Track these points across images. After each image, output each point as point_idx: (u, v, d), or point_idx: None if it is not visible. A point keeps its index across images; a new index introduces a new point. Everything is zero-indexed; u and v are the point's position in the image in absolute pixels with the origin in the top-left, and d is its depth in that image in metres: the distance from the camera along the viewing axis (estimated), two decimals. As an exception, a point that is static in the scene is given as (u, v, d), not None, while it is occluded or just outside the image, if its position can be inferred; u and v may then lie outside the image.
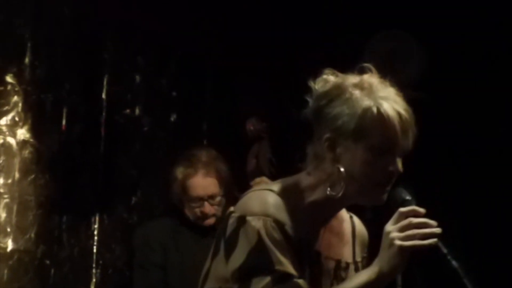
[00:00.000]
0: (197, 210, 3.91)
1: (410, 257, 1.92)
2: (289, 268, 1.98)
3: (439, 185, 4.67)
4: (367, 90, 2.05)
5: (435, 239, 1.91)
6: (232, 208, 2.09)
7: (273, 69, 4.59)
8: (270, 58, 4.58)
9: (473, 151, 4.81)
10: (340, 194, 2.04)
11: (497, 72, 4.67)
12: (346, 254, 2.20)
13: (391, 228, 1.95)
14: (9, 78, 3.89)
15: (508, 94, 4.66)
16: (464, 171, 4.82)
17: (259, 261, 1.97)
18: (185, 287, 3.86)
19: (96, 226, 4.24)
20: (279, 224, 2.00)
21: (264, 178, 3.80)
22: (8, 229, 3.82)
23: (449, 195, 4.68)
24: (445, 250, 1.90)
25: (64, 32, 4.16)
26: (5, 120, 3.86)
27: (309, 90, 2.11)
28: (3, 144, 3.85)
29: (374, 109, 2.01)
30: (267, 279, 1.94)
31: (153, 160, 4.54)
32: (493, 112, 4.73)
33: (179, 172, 3.92)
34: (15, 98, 3.91)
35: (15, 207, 3.86)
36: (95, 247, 4.23)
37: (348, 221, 2.26)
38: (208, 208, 3.89)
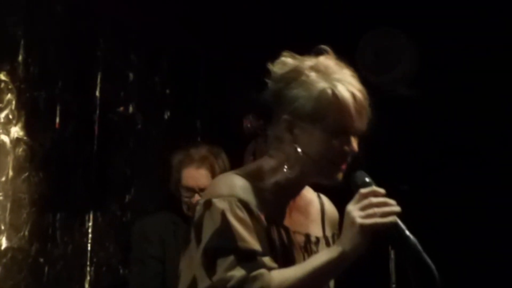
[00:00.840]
0: (187, 201, 3.92)
1: (371, 236, 1.95)
2: (253, 245, 1.99)
3: (434, 182, 4.68)
4: (323, 72, 2.11)
5: (394, 217, 1.94)
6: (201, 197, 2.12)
7: (267, 66, 4.59)
8: (264, 55, 4.58)
9: (465, 148, 4.83)
10: (295, 174, 2.10)
11: (491, 69, 4.68)
12: (315, 229, 2.23)
13: (351, 207, 1.98)
14: (2, 76, 3.88)
15: (502, 91, 4.67)
16: (456, 166, 4.83)
17: (222, 240, 1.99)
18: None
19: (90, 224, 4.24)
20: (243, 203, 2.04)
21: None
22: (2, 227, 3.81)
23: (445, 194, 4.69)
24: (403, 227, 1.95)
25: (57, 29, 4.15)
26: (-1, 118, 3.86)
27: (268, 72, 2.19)
28: (-4, 142, 3.85)
29: (329, 91, 2.07)
30: (231, 258, 1.96)
31: (147, 158, 4.54)
32: (487, 108, 4.74)
33: (175, 159, 3.96)
34: (9, 96, 3.90)
35: (8, 205, 3.85)
36: (89, 245, 4.22)
37: (316, 201, 2.30)
38: (196, 200, 3.89)
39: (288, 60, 2.17)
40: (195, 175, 3.92)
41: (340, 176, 2.11)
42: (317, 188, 2.29)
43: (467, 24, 4.67)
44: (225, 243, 1.98)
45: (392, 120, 4.21)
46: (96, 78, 4.34)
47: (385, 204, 1.96)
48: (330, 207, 2.33)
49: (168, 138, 4.63)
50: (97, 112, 4.32)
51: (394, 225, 1.94)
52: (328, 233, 2.26)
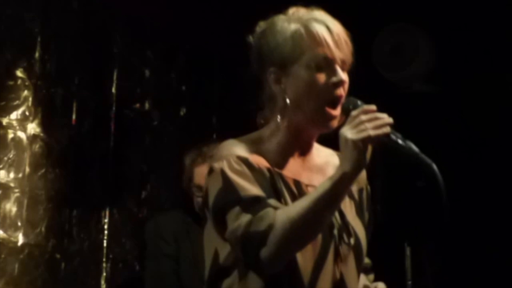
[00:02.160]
0: (199, 200, 3.92)
1: (366, 150, 1.92)
2: (256, 192, 1.96)
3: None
4: (294, 17, 2.11)
5: (387, 128, 1.91)
6: None
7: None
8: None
9: (483, 144, 4.81)
10: (289, 126, 2.06)
11: (505, 65, 4.66)
12: None
13: (343, 129, 1.94)
14: (19, 73, 3.89)
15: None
16: (473, 162, 4.82)
17: (226, 196, 1.97)
18: (197, 279, 3.88)
19: (106, 220, 4.25)
20: (241, 158, 2.02)
21: None
22: (19, 223, 3.82)
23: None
24: (398, 135, 1.93)
25: (74, 26, 4.16)
26: (16, 114, 3.87)
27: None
28: (13, 139, 3.86)
29: (302, 29, 2.06)
30: (236, 209, 1.93)
31: (163, 154, 4.54)
32: (502, 104, 4.72)
33: (188, 158, 3.95)
34: (25, 92, 3.91)
35: (25, 201, 3.86)
36: (105, 241, 4.23)
37: (333, 160, 2.20)
38: None
39: (261, 24, 2.18)
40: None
41: (334, 123, 2.06)
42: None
43: (484, 19, 4.64)
44: (228, 198, 1.96)
45: (408, 117, 4.20)
46: (113, 75, 4.35)
47: (376, 119, 1.92)
48: None
49: (184, 134, 4.64)
50: (113, 108, 4.33)
51: (388, 135, 1.92)
52: (353, 188, 2.17)
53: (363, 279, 2.26)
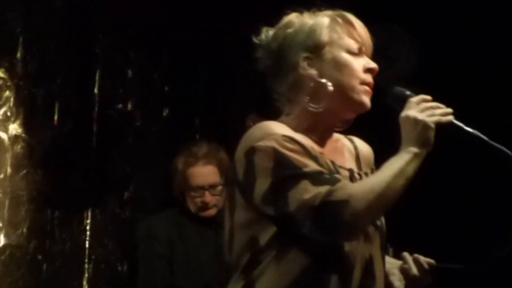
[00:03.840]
0: (198, 200, 3.91)
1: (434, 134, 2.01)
2: (317, 166, 1.98)
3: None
4: (312, 14, 2.17)
5: (451, 116, 2.04)
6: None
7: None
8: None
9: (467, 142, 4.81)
10: (325, 107, 2.08)
11: (492, 66, 4.66)
12: (354, 168, 2.19)
13: (409, 112, 2.02)
14: (0, 73, 3.87)
15: (504, 88, 4.65)
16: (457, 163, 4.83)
17: (286, 173, 1.95)
18: (191, 279, 3.88)
19: (88, 221, 4.23)
20: (288, 137, 2.02)
21: None
22: (0, 224, 3.80)
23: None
24: (461, 124, 2.05)
25: (56, 26, 4.14)
26: (-3, 114, 3.85)
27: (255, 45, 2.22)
28: (-5, 139, 3.84)
29: (337, 18, 2.14)
30: (304, 182, 1.93)
31: (146, 155, 4.53)
32: (489, 104, 4.72)
33: (180, 162, 3.94)
34: (7, 93, 3.89)
35: (7, 202, 3.84)
36: (87, 242, 4.22)
37: (348, 144, 2.26)
38: (209, 197, 3.90)
39: (270, 28, 2.21)
40: (203, 173, 3.91)
41: (369, 101, 2.13)
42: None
43: (469, 19, 4.65)
44: (289, 174, 1.95)
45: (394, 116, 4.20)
46: (95, 75, 4.33)
47: (438, 107, 2.04)
48: (364, 147, 2.29)
49: (167, 135, 4.63)
50: (96, 109, 4.32)
51: (452, 123, 2.04)
52: (367, 170, 2.21)
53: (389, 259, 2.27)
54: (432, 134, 2.00)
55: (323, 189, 1.92)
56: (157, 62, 4.68)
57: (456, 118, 2.09)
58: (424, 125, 1.99)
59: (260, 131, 2.04)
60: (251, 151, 2.00)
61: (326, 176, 1.97)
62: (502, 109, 4.56)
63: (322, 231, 1.93)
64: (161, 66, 4.69)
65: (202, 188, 3.89)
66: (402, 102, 2.07)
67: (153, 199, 4.48)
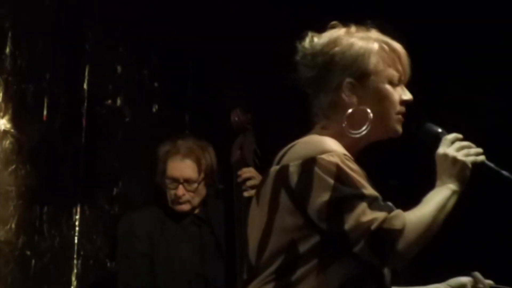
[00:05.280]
0: (172, 192, 3.91)
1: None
2: (375, 192, 2.05)
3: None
4: (361, 34, 2.21)
5: (483, 156, 2.17)
6: (276, 166, 2.11)
7: (256, 59, 4.58)
8: (253, 49, 4.57)
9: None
10: (364, 134, 2.16)
11: (483, 67, 4.67)
12: None
13: (447, 150, 2.15)
14: (-11, 69, 3.87)
15: (496, 89, 4.65)
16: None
17: (347, 191, 2.01)
18: (172, 276, 3.88)
19: (77, 217, 4.23)
20: (348, 156, 2.08)
21: (252, 169, 3.82)
22: (-11, 220, 3.81)
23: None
24: (492, 164, 2.19)
25: (45, 22, 4.13)
26: (-14, 110, 3.85)
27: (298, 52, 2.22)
28: (-17, 135, 3.84)
29: (385, 45, 2.19)
30: (363, 204, 1.99)
31: (135, 151, 4.53)
32: (476, 106, 4.73)
33: (162, 150, 3.95)
34: (-4, 88, 3.89)
35: (-5, 198, 3.85)
36: (76, 238, 4.22)
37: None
38: (181, 191, 3.88)
39: (316, 36, 2.23)
40: (180, 166, 3.91)
41: (401, 129, 2.22)
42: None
43: (456, 20, 4.66)
44: (350, 193, 2.01)
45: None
46: (84, 71, 4.33)
47: (470, 146, 2.17)
48: None
49: (156, 131, 4.62)
50: (85, 105, 4.31)
51: (485, 163, 2.17)
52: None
53: None
54: (469, 173, 2.13)
55: (380, 215, 1.99)
56: (146, 58, 4.68)
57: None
58: (462, 165, 2.13)
59: (319, 144, 2.09)
60: (312, 162, 2.04)
61: (382, 202, 2.04)
62: (484, 113, 4.58)
63: (373, 255, 2.01)
64: (150, 63, 4.69)
65: (176, 181, 3.89)
66: (435, 138, 2.21)
67: (142, 195, 4.47)
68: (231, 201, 3.88)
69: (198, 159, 3.91)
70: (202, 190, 3.95)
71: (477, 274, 2.36)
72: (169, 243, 3.93)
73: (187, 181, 3.89)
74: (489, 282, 2.37)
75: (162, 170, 3.94)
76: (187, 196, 3.90)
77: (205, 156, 3.93)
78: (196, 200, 3.92)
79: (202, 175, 3.91)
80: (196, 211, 3.98)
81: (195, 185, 3.90)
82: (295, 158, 2.08)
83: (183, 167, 3.90)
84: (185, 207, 3.91)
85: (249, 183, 3.76)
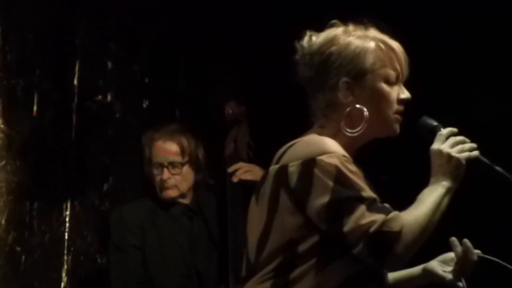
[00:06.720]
0: (158, 178, 3.92)
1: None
2: (373, 194, 2.06)
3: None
4: (358, 33, 2.21)
5: (477, 151, 2.17)
6: (275, 165, 2.12)
7: (247, 54, 4.58)
8: (244, 44, 4.57)
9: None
10: (360, 132, 2.16)
11: (479, 61, 4.66)
12: None
13: (442, 146, 2.15)
14: (-21, 64, 3.86)
15: (493, 87, 4.65)
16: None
17: (346, 193, 2.02)
18: (164, 268, 3.87)
19: (67, 212, 4.22)
20: (347, 158, 2.09)
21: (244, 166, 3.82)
22: (-21, 216, 3.79)
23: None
24: (486, 159, 2.18)
25: (36, 17, 4.12)
26: (-25, 105, 3.84)
27: (291, 57, 2.24)
28: (-27, 130, 3.83)
29: (381, 44, 2.19)
30: (362, 207, 2.01)
31: (125, 147, 4.52)
32: (470, 104, 4.73)
33: (145, 137, 3.97)
34: (-14, 83, 3.88)
35: (-15, 194, 3.84)
36: (66, 233, 4.21)
37: None
38: (166, 174, 3.89)
39: (315, 35, 2.23)
40: (164, 148, 3.93)
41: (398, 128, 2.23)
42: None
43: (454, 18, 4.65)
44: (349, 195, 2.02)
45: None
46: (75, 66, 4.32)
47: (465, 141, 2.17)
48: None
49: (147, 127, 4.61)
50: (76, 100, 4.30)
51: (479, 158, 2.17)
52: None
53: None
54: (463, 170, 2.14)
55: (379, 217, 2.01)
56: (137, 53, 4.67)
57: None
58: (457, 162, 2.13)
59: (319, 145, 2.10)
60: (312, 163, 2.05)
61: (380, 204, 2.06)
62: (476, 108, 4.58)
63: (372, 257, 2.02)
64: (141, 58, 4.68)
65: (161, 165, 3.91)
66: (430, 132, 2.21)
67: (133, 191, 4.47)
68: (224, 195, 3.89)
69: (180, 141, 3.93)
70: (189, 175, 3.95)
71: (467, 242, 2.36)
72: (161, 235, 3.93)
73: (172, 164, 3.90)
74: (477, 251, 2.35)
75: (148, 158, 3.96)
76: (173, 180, 3.90)
77: (188, 139, 3.95)
78: (184, 186, 3.92)
79: (186, 157, 3.92)
80: (187, 201, 3.98)
81: (180, 167, 3.90)
82: (295, 158, 2.09)
83: (166, 150, 3.92)
84: (172, 192, 3.92)
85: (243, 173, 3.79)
